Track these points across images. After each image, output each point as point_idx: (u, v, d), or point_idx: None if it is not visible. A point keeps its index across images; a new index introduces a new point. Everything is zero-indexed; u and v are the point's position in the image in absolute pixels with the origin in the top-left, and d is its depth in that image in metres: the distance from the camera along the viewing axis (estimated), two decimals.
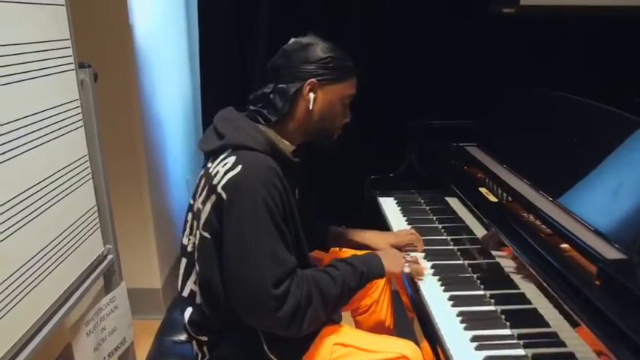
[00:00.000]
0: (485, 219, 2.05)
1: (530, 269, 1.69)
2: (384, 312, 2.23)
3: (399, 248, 2.16)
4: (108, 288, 2.14)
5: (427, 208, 2.60)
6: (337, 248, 2.20)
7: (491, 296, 1.89)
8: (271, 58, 1.81)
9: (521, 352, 1.64)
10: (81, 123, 1.88)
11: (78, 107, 1.86)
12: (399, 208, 2.60)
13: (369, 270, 1.84)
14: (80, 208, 1.87)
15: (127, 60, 2.83)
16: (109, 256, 2.09)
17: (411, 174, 2.78)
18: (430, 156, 2.74)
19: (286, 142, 1.78)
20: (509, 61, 2.99)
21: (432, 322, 1.81)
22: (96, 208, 1.98)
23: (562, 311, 1.50)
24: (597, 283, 1.46)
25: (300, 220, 1.77)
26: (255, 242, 1.55)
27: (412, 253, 2.15)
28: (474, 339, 1.70)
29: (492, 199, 2.14)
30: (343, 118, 1.83)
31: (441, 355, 1.68)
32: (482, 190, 2.21)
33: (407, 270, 1.96)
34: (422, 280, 1.96)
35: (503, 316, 1.81)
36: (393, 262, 1.93)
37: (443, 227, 2.38)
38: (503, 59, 3.00)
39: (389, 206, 2.66)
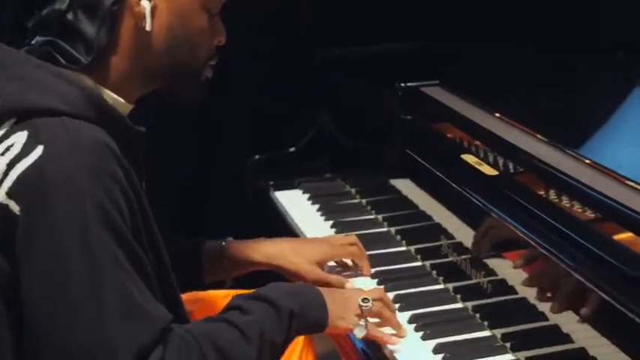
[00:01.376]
0: (486, 206, 1.37)
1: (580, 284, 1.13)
2: None
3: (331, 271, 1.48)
4: None
5: (363, 201, 1.76)
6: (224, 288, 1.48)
7: (514, 346, 1.23)
8: None
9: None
10: None
11: None
12: (315, 205, 1.74)
13: (303, 311, 1.18)
14: None
15: None
16: None
17: (326, 147, 1.91)
18: (359, 111, 1.88)
19: (117, 98, 1.13)
20: None
21: None
22: None
23: None
24: None
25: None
26: (92, 288, 0.98)
27: (356, 280, 1.44)
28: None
29: (489, 171, 1.44)
30: (213, 37, 1.19)
31: None
32: (468, 158, 1.49)
33: (360, 333, 1.23)
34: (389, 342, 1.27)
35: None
36: (342, 306, 1.24)
37: (397, 232, 1.62)
38: None
39: (295, 204, 1.77)
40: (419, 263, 1.50)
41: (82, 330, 0.96)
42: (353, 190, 1.81)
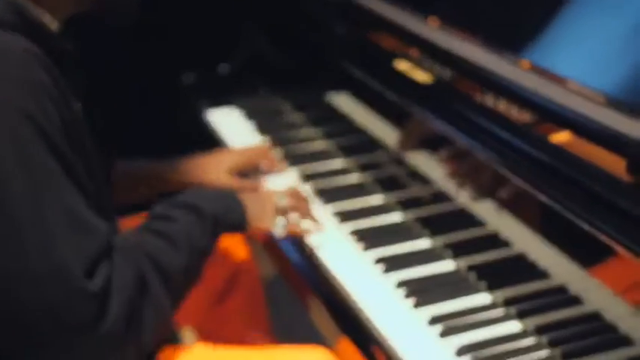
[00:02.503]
0: (418, 112, 1.28)
1: (512, 183, 1.06)
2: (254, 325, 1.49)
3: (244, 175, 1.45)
4: None
5: (300, 117, 1.66)
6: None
7: (447, 246, 1.19)
8: None
9: (513, 326, 1.04)
10: None
11: None
12: (251, 122, 1.67)
13: (224, 215, 1.17)
14: None
15: None
16: None
17: (259, 62, 1.81)
18: (291, 26, 1.72)
19: (43, 12, 1.03)
20: None
21: (353, 306, 1.11)
22: None
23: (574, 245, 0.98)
24: (628, 180, 0.94)
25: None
26: (34, 205, 0.90)
27: (271, 181, 1.41)
28: (435, 320, 1.05)
29: (422, 77, 1.33)
30: None
31: (381, 358, 1.03)
32: (402, 64, 1.37)
33: (280, 231, 1.23)
34: (314, 235, 1.26)
35: (472, 275, 1.14)
36: (259, 208, 1.23)
37: (338, 145, 1.54)
38: None
39: (231, 123, 1.68)
40: (357, 176, 1.42)
41: (29, 251, 0.89)
42: (289, 106, 1.70)
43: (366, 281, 1.14)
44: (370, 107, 1.46)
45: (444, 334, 1.02)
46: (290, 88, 1.74)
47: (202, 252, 1.11)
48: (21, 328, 0.91)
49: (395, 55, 1.43)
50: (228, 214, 1.17)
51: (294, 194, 1.27)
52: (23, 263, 0.89)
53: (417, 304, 1.07)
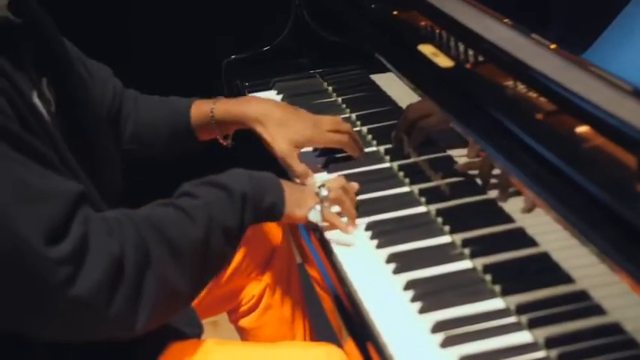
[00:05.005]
0: (428, 97, 1.22)
1: (526, 187, 0.96)
2: (287, 303, 1.44)
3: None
4: None
5: (339, 99, 1.60)
6: None
7: (465, 242, 1.11)
8: None
9: (524, 337, 0.96)
10: None
11: None
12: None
13: (258, 194, 1.10)
14: None
15: None
16: None
17: (303, 43, 1.75)
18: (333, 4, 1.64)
19: None
20: None
21: (358, 304, 1.06)
22: None
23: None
24: None
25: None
26: None
27: (321, 176, 1.32)
28: (438, 327, 0.98)
29: (444, 62, 1.23)
30: None
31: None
32: (425, 48, 1.28)
33: (315, 216, 1.15)
34: (344, 230, 1.18)
35: (488, 277, 1.05)
36: (299, 195, 1.16)
37: (369, 131, 1.47)
38: None
39: None
40: (387, 165, 1.36)
41: None
42: (330, 88, 1.65)
43: (375, 281, 1.09)
44: (412, 88, 1.34)
45: (445, 344, 0.95)
46: (334, 69, 1.69)
47: (228, 230, 1.05)
48: (3, 299, 0.90)
49: (418, 36, 1.34)
50: (263, 195, 1.11)
51: (341, 186, 1.19)
52: None
53: (422, 310, 1.01)
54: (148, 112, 1.36)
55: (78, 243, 0.89)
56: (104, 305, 0.90)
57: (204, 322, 1.22)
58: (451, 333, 0.96)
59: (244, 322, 1.46)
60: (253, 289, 1.44)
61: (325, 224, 1.17)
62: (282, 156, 1.30)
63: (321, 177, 1.32)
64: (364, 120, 1.50)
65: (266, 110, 1.33)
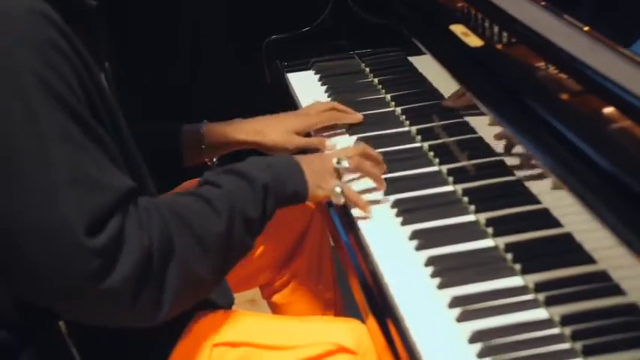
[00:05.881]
0: (456, 78, 1.23)
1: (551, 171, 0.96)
2: (319, 281, 1.46)
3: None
4: None
5: (375, 80, 1.62)
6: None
7: (489, 222, 1.12)
8: None
9: (539, 314, 0.96)
10: None
11: None
12: (324, 86, 1.64)
13: (279, 182, 1.11)
14: None
15: None
16: None
17: (343, 24, 1.74)
18: None
19: None
20: None
21: (379, 278, 1.07)
22: None
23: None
24: None
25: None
26: (40, 162, 0.89)
27: (338, 140, 1.38)
28: (455, 302, 0.99)
29: (474, 42, 1.24)
30: None
31: (396, 338, 0.97)
32: (457, 28, 1.30)
33: (338, 199, 1.16)
34: (363, 210, 1.19)
35: (509, 256, 1.06)
36: (320, 174, 1.16)
37: (403, 112, 1.49)
38: None
39: (304, 85, 1.65)
40: (417, 144, 1.37)
41: (33, 207, 0.89)
42: (367, 69, 1.67)
43: (397, 256, 1.10)
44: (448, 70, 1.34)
45: (461, 318, 0.97)
46: (373, 50, 1.71)
47: (250, 220, 1.06)
48: (31, 279, 0.92)
49: (452, 17, 1.35)
50: (285, 182, 1.11)
51: (359, 152, 1.20)
52: (29, 217, 0.89)
53: (441, 285, 1.02)
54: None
55: (114, 236, 0.91)
56: (130, 299, 0.92)
57: (244, 300, 1.24)
58: (468, 308, 0.97)
59: (277, 298, 1.48)
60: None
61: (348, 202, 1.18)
62: (293, 146, 1.37)
63: (340, 141, 1.38)
64: (398, 100, 1.51)
65: (254, 124, 1.40)
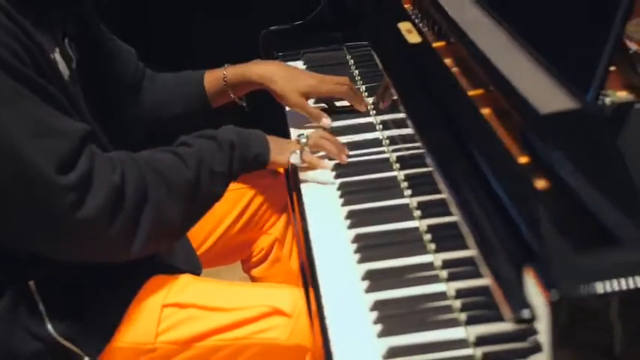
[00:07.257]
0: (386, 73, 1.34)
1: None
2: (294, 256, 1.56)
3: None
4: None
5: (356, 72, 1.69)
6: None
7: (420, 205, 1.21)
8: None
9: (439, 286, 1.07)
10: None
11: None
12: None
13: (244, 144, 1.27)
14: None
15: None
16: None
17: (339, 17, 1.81)
18: None
19: None
20: None
21: (309, 248, 1.20)
22: None
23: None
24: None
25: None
26: None
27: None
28: (369, 275, 1.11)
29: (414, 39, 1.33)
30: None
31: (313, 305, 1.10)
32: (403, 26, 1.38)
33: (295, 159, 1.33)
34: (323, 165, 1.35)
35: (428, 236, 1.15)
36: (282, 145, 1.34)
37: (373, 104, 1.56)
38: None
39: None
40: (378, 134, 1.44)
41: (4, 162, 1.02)
42: (352, 61, 1.73)
43: (331, 232, 1.21)
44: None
45: (370, 289, 1.07)
46: (361, 42, 1.73)
47: (216, 173, 1.21)
48: (14, 220, 1.06)
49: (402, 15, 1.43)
50: (249, 144, 1.27)
51: (320, 135, 1.36)
52: (1, 173, 1.02)
53: (360, 260, 1.13)
54: (165, 90, 1.50)
55: (84, 173, 1.05)
56: (105, 226, 1.07)
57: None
58: (379, 283, 1.08)
59: (255, 272, 1.59)
60: (263, 242, 1.57)
61: (304, 165, 1.33)
62: (294, 105, 1.47)
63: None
64: (370, 92, 1.59)
65: (274, 69, 1.50)
